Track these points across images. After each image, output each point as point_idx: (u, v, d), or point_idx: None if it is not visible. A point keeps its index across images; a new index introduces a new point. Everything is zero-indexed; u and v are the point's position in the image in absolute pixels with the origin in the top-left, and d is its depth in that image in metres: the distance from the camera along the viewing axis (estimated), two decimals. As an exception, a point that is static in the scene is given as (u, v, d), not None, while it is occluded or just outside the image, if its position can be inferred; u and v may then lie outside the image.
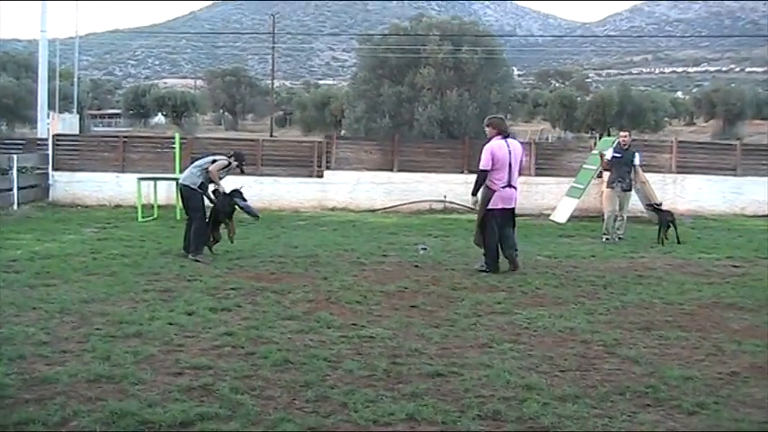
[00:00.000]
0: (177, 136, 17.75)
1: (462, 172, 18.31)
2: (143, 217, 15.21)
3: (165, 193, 17.07)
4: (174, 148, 17.70)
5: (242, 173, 10.93)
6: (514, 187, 9.64)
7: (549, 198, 18.32)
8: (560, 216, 16.88)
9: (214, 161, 10.34)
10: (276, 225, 14.81)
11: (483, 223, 9.58)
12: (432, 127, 27.98)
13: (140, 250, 10.65)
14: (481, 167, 9.45)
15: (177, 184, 14.18)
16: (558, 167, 18.77)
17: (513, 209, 9.76)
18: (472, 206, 9.88)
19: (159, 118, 69.33)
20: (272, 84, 73.63)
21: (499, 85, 29.67)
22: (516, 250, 9.70)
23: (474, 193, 9.58)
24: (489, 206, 9.52)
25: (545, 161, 18.92)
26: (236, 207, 10.41)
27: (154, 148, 18.69)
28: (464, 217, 16.77)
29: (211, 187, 10.43)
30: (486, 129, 9.69)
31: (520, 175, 9.87)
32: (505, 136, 9.63)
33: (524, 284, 8.65)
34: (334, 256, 10.58)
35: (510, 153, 9.53)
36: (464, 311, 7.20)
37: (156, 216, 15.73)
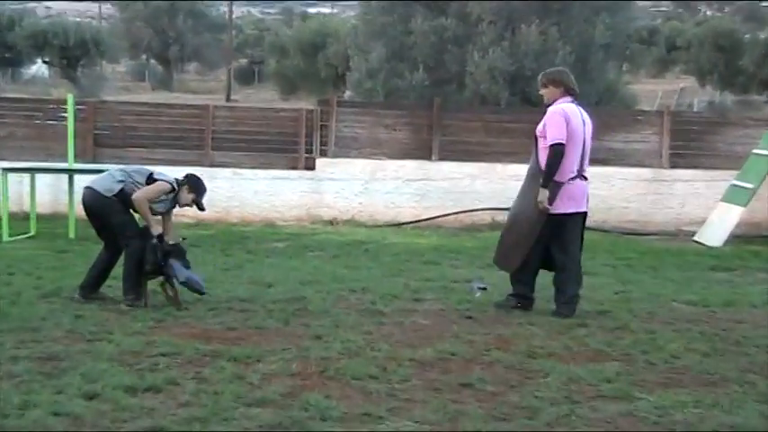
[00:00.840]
0: (70, 98, 17.90)
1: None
2: (11, 234, 15.33)
3: (50, 193, 17.25)
4: (64, 118, 17.83)
5: (200, 209, 10.78)
6: (586, 179, 10.24)
7: (691, 205, 18.36)
8: (713, 235, 16.87)
9: (151, 176, 10.30)
10: (237, 248, 14.89)
11: (532, 234, 10.16)
12: (495, 86, 27.87)
13: (7, 290, 10.74)
14: (555, 140, 9.94)
15: (70, 179, 14.33)
16: (709, 154, 18.80)
17: (586, 214, 10.36)
18: (543, 208, 10.12)
19: (39, 67, 69.78)
20: (230, 12, 74.13)
21: (609, 15, 29.53)
22: (580, 290, 10.23)
23: (546, 184, 9.95)
24: (553, 209, 10.05)
25: (686, 143, 19.00)
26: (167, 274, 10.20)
27: (30, 119, 18.89)
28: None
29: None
30: (545, 90, 10.24)
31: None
32: (575, 98, 10.15)
33: (651, 349, 8.66)
34: (334, 301, 10.64)
35: (584, 124, 10.07)
36: (550, 394, 7.21)
37: (32, 233, 15.86)
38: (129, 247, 10.20)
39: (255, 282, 11.81)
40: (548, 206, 10.03)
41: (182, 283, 10.19)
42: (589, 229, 18.20)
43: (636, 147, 19.35)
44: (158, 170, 10.60)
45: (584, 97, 23.00)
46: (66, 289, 10.73)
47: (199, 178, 10.76)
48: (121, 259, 10.36)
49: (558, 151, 9.94)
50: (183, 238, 10.67)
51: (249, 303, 10.36)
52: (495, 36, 28.07)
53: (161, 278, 10.24)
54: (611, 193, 18.92)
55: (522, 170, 18.01)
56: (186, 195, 10.45)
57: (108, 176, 10.42)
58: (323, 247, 15.46)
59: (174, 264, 10.14)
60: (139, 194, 10.10)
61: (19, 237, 15.38)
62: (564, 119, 9.97)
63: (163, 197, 10.29)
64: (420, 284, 11.93)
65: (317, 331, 9.09)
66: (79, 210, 16.55)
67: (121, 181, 10.24)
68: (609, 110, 23.54)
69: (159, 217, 10.39)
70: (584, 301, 10.78)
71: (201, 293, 10.40)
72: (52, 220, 17.12)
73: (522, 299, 10.46)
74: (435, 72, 28.76)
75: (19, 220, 16.55)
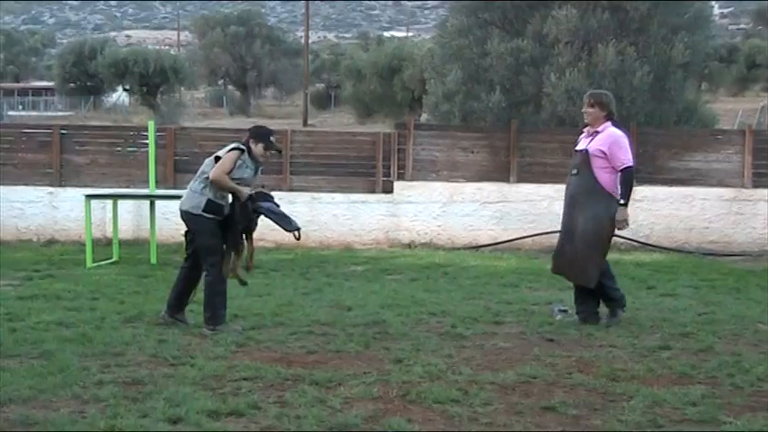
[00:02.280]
0: (152, 125, 18.13)
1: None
2: (94, 260, 15.51)
3: (132, 220, 17.44)
4: (145, 145, 18.02)
5: (278, 151, 11.29)
6: None
7: (776, 226, 18.12)
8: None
9: (217, 158, 10.35)
10: (316, 272, 14.94)
11: (604, 248, 10.94)
12: (572, 107, 27.69)
13: (91, 316, 10.88)
14: (629, 163, 10.77)
15: (151, 205, 14.53)
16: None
17: None
18: (622, 226, 10.93)
19: (120, 95, 70.54)
20: (306, 37, 74.44)
21: (688, 33, 29.28)
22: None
23: (626, 204, 10.80)
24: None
25: (770, 161, 18.74)
26: (261, 215, 10.34)
27: (112, 146, 19.10)
28: (630, 257, 16.64)
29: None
30: (591, 110, 10.91)
31: None
32: (615, 122, 10.92)
33: (737, 372, 8.56)
34: (413, 324, 10.66)
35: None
36: (634, 418, 7.14)
37: (115, 258, 16.04)
38: (209, 275, 10.24)
39: (335, 305, 11.86)
40: (626, 224, 10.82)
41: (275, 216, 10.31)
42: (670, 250, 18.18)
43: (716, 166, 19.14)
44: (226, 149, 10.43)
45: (663, 117, 22.89)
46: (148, 314, 10.84)
47: (258, 126, 10.96)
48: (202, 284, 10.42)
49: (632, 173, 10.79)
50: (263, 186, 10.95)
51: (329, 327, 10.41)
52: (572, 57, 27.89)
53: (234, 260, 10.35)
54: (692, 214, 18.77)
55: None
56: (257, 148, 10.42)
57: (191, 192, 10.34)
58: (401, 271, 15.48)
59: (265, 204, 10.27)
60: (214, 173, 10.09)
61: (102, 262, 15.56)
62: (628, 142, 10.87)
63: (239, 163, 10.23)
64: (500, 307, 11.92)
65: (398, 355, 9.09)
66: (160, 235, 16.83)
67: (203, 188, 10.21)
68: (688, 130, 23.34)
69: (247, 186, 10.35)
70: (667, 323, 10.73)
71: (295, 230, 10.41)
72: (134, 246, 17.33)
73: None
74: (512, 94, 28.65)
75: (102, 246, 16.78)
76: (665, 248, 18.33)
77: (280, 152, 11.05)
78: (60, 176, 18.61)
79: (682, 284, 14.24)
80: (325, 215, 18.68)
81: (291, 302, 11.89)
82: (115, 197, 16.81)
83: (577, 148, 11.08)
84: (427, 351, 9.26)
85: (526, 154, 19.23)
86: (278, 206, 10.44)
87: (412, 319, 10.94)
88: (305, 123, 63.12)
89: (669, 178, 19.07)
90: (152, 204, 16.59)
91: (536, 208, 18.70)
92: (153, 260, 15.90)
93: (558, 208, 18.28)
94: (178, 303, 10.52)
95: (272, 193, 10.78)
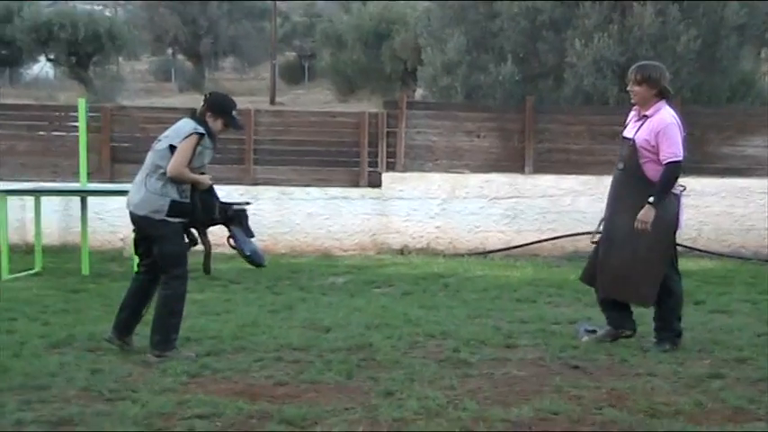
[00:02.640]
0: (82, 103, 18.04)
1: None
2: (12, 271, 15.54)
3: (59, 221, 17.46)
4: (75, 128, 18.00)
5: (239, 128, 11.12)
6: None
7: None
8: None
9: (172, 148, 10.11)
10: (287, 285, 14.99)
11: (661, 261, 11.01)
12: (602, 80, 27.72)
13: (8, 340, 10.87)
14: (677, 157, 10.75)
15: (82, 203, 14.53)
16: None
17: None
18: (644, 227, 10.82)
19: (43, 67, 70.50)
20: (273, -4, 74.47)
21: (745, -9, 29.35)
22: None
23: (659, 203, 10.71)
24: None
25: None
26: (222, 224, 10.44)
27: (33, 130, 19.11)
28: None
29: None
30: (638, 87, 10.91)
31: None
32: (669, 100, 10.96)
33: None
34: (406, 349, 10.69)
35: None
36: (680, 465, 7.16)
37: (38, 268, 16.04)
38: (168, 288, 10.23)
39: (310, 326, 11.89)
40: (648, 226, 10.70)
41: (246, 257, 10.50)
42: (722, 255, 18.22)
43: (780, 153, 19.21)
44: (180, 126, 10.35)
45: (713, 92, 22.92)
46: (79, 337, 10.84)
47: (218, 95, 10.99)
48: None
49: (678, 169, 10.79)
50: (248, 203, 10.94)
51: (303, 352, 10.42)
52: (602, 19, 27.89)
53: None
54: (750, 211, 18.80)
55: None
56: (216, 123, 10.38)
57: (146, 193, 10.11)
58: (392, 283, 15.52)
59: (237, 232, 10.41)
60: (173, 169, 10.01)
61: (21, 274, 15.56)
62: (680, 130, 10.84)
63: (199, 150, 10.19)
64: (513, 327, 11.94)
65: (388, 386, 9.09)
66: (93, 240, 16.81)
67: (162, 186, 10.05)
68: (745, 108, 23.40)
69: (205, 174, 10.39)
70: (719, 346, 10.76)
71: (263, 266, 10.83)
72: (61, 254, 17.33)
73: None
74: (527, 65, 28.68)
75: (21, 253, 16.75)
76: (717, 254, 18.39)
77: (240, 128, 10.96)
78: (-30, 167, 18.64)
79: (737, 298, 14.29)
80: (297, 214, 18.69)
81: (256, 322, 11.89)
82: (37, 193, 16.76)
83: (624, 134, 11.10)
84: (423, 382, 9.26)
85: (544, 139, 19.29)
86: (252, 235, 10.57)
87: (405, 343, 10.95)
88: (272, 101, 63.04)
89: (721, 167, 19.15)
90: (83, 202, 16.52)
91: (557, 205, 18.76)
92: (84, 271, 15.89)
93: (585, 205, 18.54)
94: (130, 324, 10.51)
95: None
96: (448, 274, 16.29)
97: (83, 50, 63.30)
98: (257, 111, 20.59)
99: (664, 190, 10.72)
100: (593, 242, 11.45)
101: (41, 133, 18.95)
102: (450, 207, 18.86)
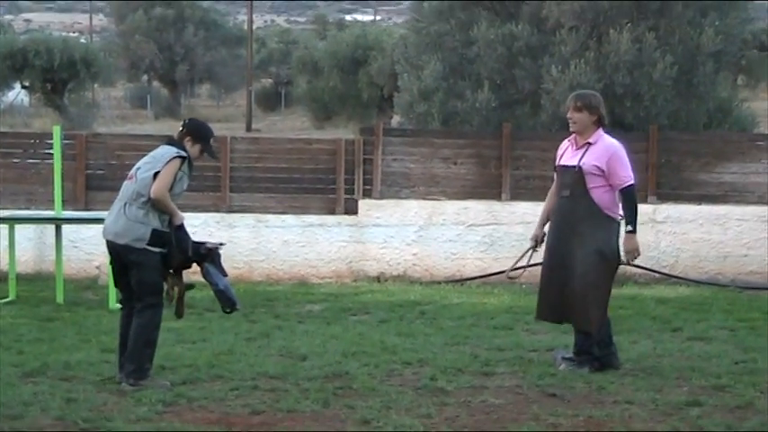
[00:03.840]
0: (57, 131, 18.01)
1: (645, 199, 18.21)
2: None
3: (33, 249, 17.39)
4: (49, 155, 17.96)
5: (213, 157, 11.17)
6: None
7: None
8: None
9: (156, 174, 10.15)
10: (263, 313, 14.95)
11: (607, 287, 11.19)
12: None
13: (-19, 368, 10.80)
14: (632, 179, 11.11)
15: (57, 231, 14.55)
16: None
17: None
18: (628, 258, 11.21)
19: (17, 94, 70.38)
20: (250, 22, 74.63)
21: (719, 16, 29.45)
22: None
23: (635, 228, 11.06)
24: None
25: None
26: (198, 264, 10.40)
27: (7, 157, 19.07)
28: (650, 292, 16.70)
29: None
30: (578, 114, 11.12)
31: None
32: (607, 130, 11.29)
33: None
34: (383, 377, 10.67)
35: None
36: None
37: (12, 297, 15.98)
38: (143, 317, 10.19)
39: (286, 354, 11.86)
40: (637, 254, 11.04)
41: (218, 291, 10.41)
42: (699, 282, 18.25)
43: (757, 180, 19.18)
44: (161, 151, 10.37)
45: (690, 119, 23.01)
46: (53, 366, 10.79)
47: (197, 121, 11.07)
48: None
49: (636, 192, 11.25)
50: (222, 244, 10.84)
51: (279, 381, 10.39)
52: (578, 45, 27.99)
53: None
54: (727, 239, 18.80)
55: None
56: (194, 149, 10.43)
57: (126, 222, 10.10)
58: (368, 310, 15.49)
59: (211, 269, 10.34)
60: (157, 190, 10.00)
61: (-5, 303, 15.51)
62: (625, 154, 11.15)
63: (179, 174, 10.23)
64: (490, 355, 11.92)
65: (364, 415, 9.08)
66: (68, 269, 16.78)
67: (144, 214, 10.04)
68: (722, 134, 23.41)
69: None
70: (696, 374, 10.77)
71: (236, 308, 10.68)
72: (35, 282, 17.25)
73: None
74: (504, 91, 28.72)
75: (-6, 282, 16.71)
76: (694, 281, 18.39)
77: (214, 157, 11.00)
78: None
79: (714, 325, 14.29)
80: (273, 242, 18.64)
81: (232, 350, 11.87)
82: (12, 221, 16.71)
83: (564, 163, 11.22)
84: (400, 410, 9.25)
85: (522, 165, 19.30)
86: (225, 274, 10.54)
87: (382, 371, 10.93)
88: (248, 128, 63.08)
89: (698, 194, 19.15)
90: (58, 230, 16.44)
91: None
92: (59, 299, 15.81)
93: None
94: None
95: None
96: (425, 301, 16.27)
97: (58, 77, 63.16)
98: (233, 138, 20.60)
99: (634, 214, 11.00)
100: (509, 277, 11.99)
101: (16, 161, 18.88)
102: (426, 234, 18.83)
